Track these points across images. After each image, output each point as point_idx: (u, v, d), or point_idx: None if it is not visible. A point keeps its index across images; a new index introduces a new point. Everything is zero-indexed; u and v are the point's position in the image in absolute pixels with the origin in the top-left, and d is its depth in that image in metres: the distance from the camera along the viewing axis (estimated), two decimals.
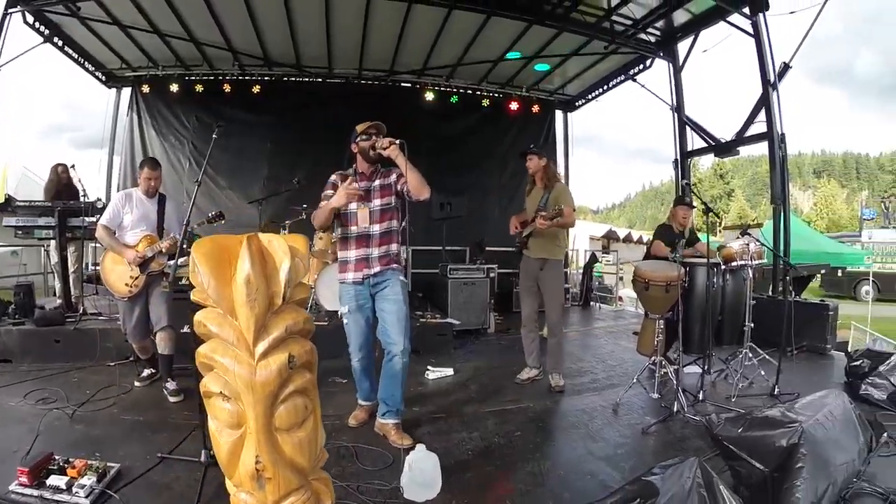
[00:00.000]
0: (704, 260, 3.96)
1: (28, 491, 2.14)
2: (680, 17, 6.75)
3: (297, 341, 1.23)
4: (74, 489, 2.14)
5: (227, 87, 8.21)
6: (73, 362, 4.22)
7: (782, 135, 5.78)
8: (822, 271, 9.19)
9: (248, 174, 8.47)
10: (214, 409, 1.22)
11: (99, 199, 5.48)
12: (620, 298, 9.86)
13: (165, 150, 8.33)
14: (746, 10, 5.70)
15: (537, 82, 9.55)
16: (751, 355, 4.02)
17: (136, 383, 3.85)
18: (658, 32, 7.30)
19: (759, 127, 6.11)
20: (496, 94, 9.65)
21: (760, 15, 5.58)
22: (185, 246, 2.83)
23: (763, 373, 3.96)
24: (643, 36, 7.26)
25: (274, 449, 1.20)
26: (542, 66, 8.65)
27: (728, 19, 6.06)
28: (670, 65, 7.57)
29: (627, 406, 3.58)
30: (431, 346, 5.23)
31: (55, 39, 6.89)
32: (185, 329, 3.67)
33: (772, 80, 5.66)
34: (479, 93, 9.60)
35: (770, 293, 5.80)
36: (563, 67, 8.75)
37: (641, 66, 8.09)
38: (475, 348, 5.57)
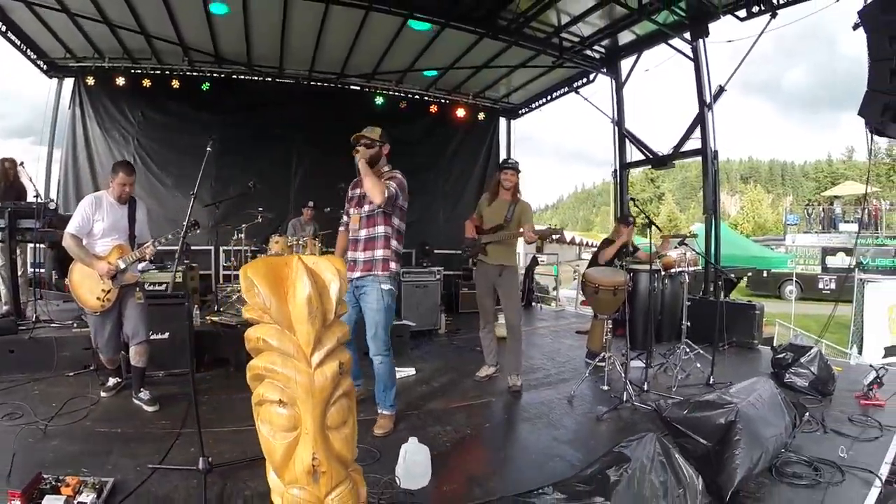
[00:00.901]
0: (647, 267, 4.43)
1: None
2: (625, 37, 7.33)
3: (342, 351, 1.40)
4: None
5: (175, 83, 7.95)
6: (29, 373, 4.01)
7: (715, 151, 6.45)
8: (749, 274, 10.13)
9: (195, 173, 8.22)
10: (269, 415, 1.36)
11: (52, 200, 5.29)
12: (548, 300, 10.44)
13: (109, 146, 7.96)
14: (687, 36, 6.31)
15: (483, 90, 9.95)
16: (687, 350, 4.51)
17: (103, 394, 3.68)
18: (603, 50, 7.86)
19: (694, 143, 6.76)
20: (443, 101, 9.94)
21: (700, 41, 6.21)
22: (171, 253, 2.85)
23: (699, 365, 4.45)
24: (589, 52, 7.79)
25: (326, 446, 1.37)
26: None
27: (670, 42, 6.67)
28: (613, 80, 8.15)
29: (581, 398, 3.94)
30: (397, 349, 5.43)
31: None
32: (154, 336, 3.75)
33: (708, 101, 6.31)
34: (426, 98, 9.86)
35: (702, 294, 6.44)
36: (508, 78, 9.16)
37: (585, 80, 8.68)
38: (430, 349, 5.78)
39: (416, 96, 9.74)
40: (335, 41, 7.55)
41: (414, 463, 2.44)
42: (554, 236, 4.11)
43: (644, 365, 4.18)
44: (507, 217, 4.18)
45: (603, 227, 49.42)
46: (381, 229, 3.19)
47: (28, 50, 7.36)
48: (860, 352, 6.23)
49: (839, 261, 14.97)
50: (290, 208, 8.30)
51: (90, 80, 7.85)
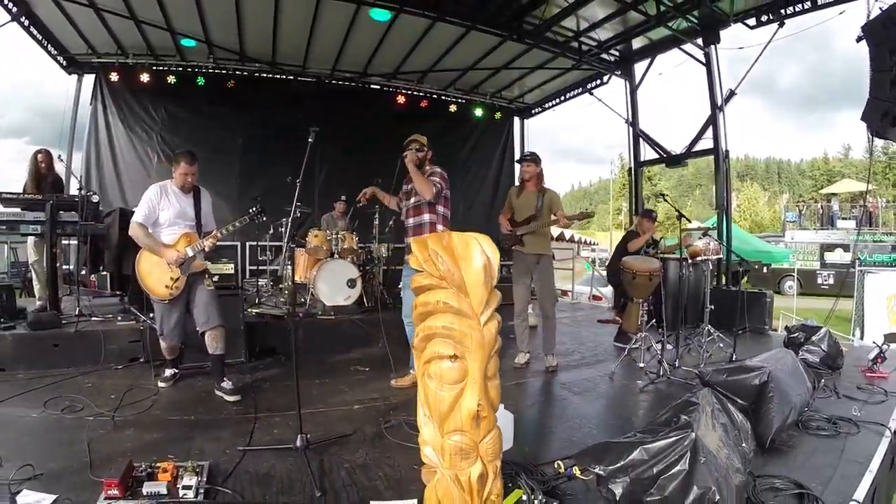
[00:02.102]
0: (677, 255, 4.95)
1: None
2: (639, 41, 7.85)
3: (497, 313, 1.84)
4: (181, 491, 2.08)
5: (200, 80, 8.28)
6: (75, 367, 4.02)
7: (726, 151, 6.98)
8: (755, 266, 10.69)
9: (219, 169, 8.51)
10: (439, 370, 1.74)
11: (94, 192, 5.36)
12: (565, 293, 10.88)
13: (132, 142, 8.28)
14: (700, 42, 6.81)
15: (499, 91, 10.41)
16: (711, 331, 4.98)
17: (161, 384, 3.73)
18: (618, 53, 8.38)
19: (706, 143, 7.27)
20: (461, 101, 10.39)
21: (712, 46, 6.72)
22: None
23: (721, 345, 4.95)
24: (605, 56, 8.29)
25: (486, 393, 1.76)
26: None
27: (683, 48, 7.18)
28: (627, 83, 8.67)
29: (620, 374, 4.40)
30: None
31: (22, 18, 6.71)
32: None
33: (719, 103, 6.83)
34: (444, 98, 10.31)
35: (714, 284, 6.94)
36: (524, 79, 9.69)
37: (599, 82, 9.19)
38: None
39: (435, 95, 10.17)
40: (362, 41, 7.92)
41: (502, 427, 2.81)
42: (587, 219, 4.63)
43: (672, 346, 4.66)
44: (538, 207, 4.51)
45: (600, 226, 49.98)
46: (426, 217, 3.81)
47: (49, 45, 7.54)
48: (862, 337, 6.79)
49: (837, 257, 15.60)
50: (316, 205, 8.70)
51: (114, 77, 8.10)
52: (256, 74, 8.83)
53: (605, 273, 11.51)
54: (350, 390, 3.88)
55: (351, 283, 6.22)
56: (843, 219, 18.40)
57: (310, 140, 2.99)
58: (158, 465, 2.17)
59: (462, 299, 1.74)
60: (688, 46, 7.13)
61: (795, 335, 4.40)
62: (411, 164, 3.71)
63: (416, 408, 1.88)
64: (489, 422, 1.81)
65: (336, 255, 6.34)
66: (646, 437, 2.21)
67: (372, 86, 9.64)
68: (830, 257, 15.84)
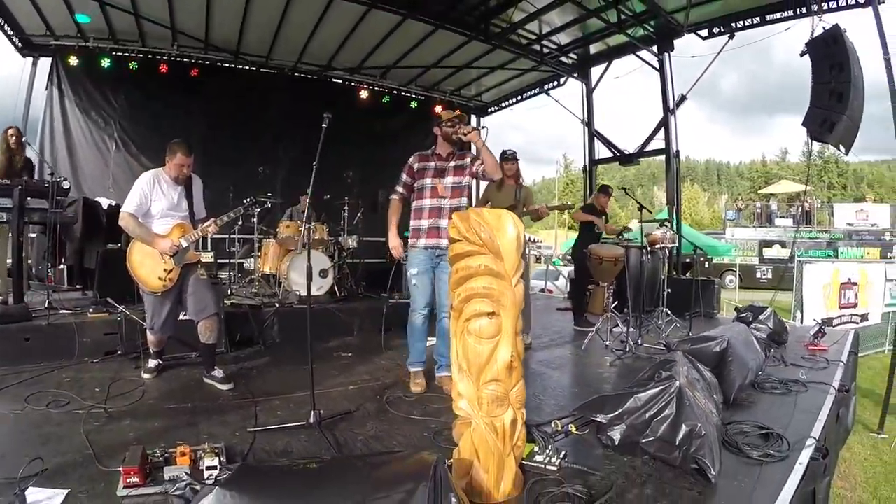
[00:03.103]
0: (638, 243, 5.45)
1: (146, 490, 1.98)
2: (596, 46, 8.42)
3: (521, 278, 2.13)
4: (205, 472, 2.05)
5: (163, 68, 8.08)
6: (48, 362, 3.88)
7: (677, 151, 7.63)
8: (700, 259, 11.63)
9: None
10: (478, 326, 2.00)
11: (64, 178, 5.13)
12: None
13: (90, 129, 8.02)
14: (654, 49, 7.42)
15: (458, 89, 10.77)
16: (668, 313, 5.50)
17: (145, 375, 3.64)
18: (576, 57, 8.92)
19: (658, 143, 7.92)
20: (422, 97, 10.68)
21: (666, 54, 7.35)
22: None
23: (677, 325, 5.52)
24: (564, 59, 8.81)
25: (516, 347, 2.04)
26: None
27: (638, 54, 7.78)
28: (583, 85, 9.24)
29: (590, 351, 4.82)
30: (401, 323, 6.00)
31: None
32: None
33: (671, 107, 7.46)
34: (404, 94, 10.56)
35: (667, 273, 7.59)
36: (483, 78, 10.12)
37: (556, 83, 9.72)
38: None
39: (395, 91, 10.39)
40: (331, 33, 8.01)
41: None
42: (567, 210, 5.07)
43: (634, 326, 5.09)
44: (517, 198, 4.96)
45: (544, 224, 51.53)
46: (465, 200, 3.55)
47: (5, 25, 7.21)
48: (801, 321, 7.69)
49: (775, 252, 17.07)
50: (278, 196, 8.69)
51: (72, 61, 7.79)
52: (219, 64, 8.72)
53: (552, 268, 12.21)
54: (340, 374, 4.02)
55: (323, 274, 6.36)
56: (781, 217, 20.11)
57: (323, 126, 3.03)
58: (173, 449, 2.16)
59: (499, 263, 2.02)
60: (643, 53, 7.73)
61: (744, 315, 4.94)
62: (479, 138, 3.39)
63: (454, 363, 2.11)
64: (518, 372, 2.10)
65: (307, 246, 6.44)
66: (636, 389, 2.58)
67: (334, 80, 9.73)
68: (769, 253, 17.30)
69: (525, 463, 2.26)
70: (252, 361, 4.38)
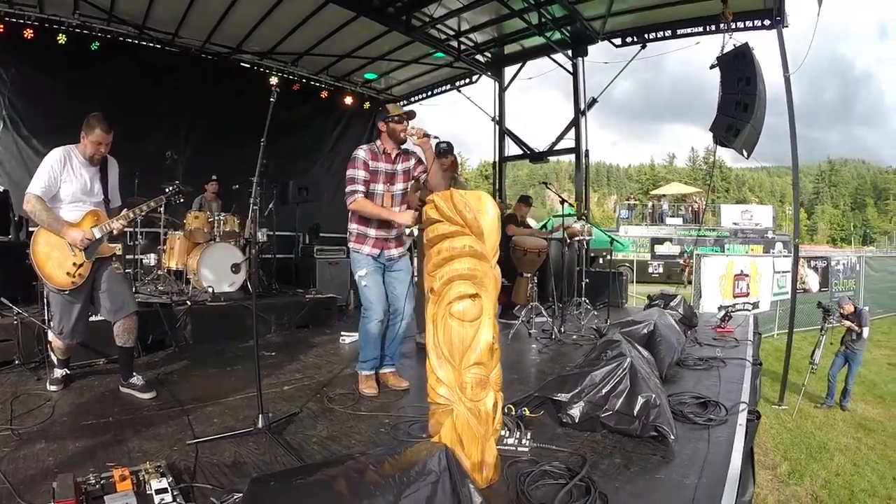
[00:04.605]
0: (559, 235, 5.78)
1: None
2: (511, 46, 8.71)
3: None
4: (155, 497, 1.80)
5: (61, 38, 7.06)
6: None
7: (587, 150, 8.15)
8: (605, 253, 12.57)
9: (74, 142, 7.39)
10: (462, 309, 1.99)
11: None
12: None
13: None
14: (570, 53, 7.86)
15: (369, 81, 10.66)
16: (586, 302, 5.88)
17: (52, 387, 3.22)
18: (490, 56, 9.18)
19: (568, 143, 8.40)
20: (331, 87, 10.39)
21: (580, 59, 7.81)
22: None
23: (595, 313, 5.89)
24: (479, 57, 9.04)
25: (495, 328, 2.06)
26: (370, 76, 9.97)
27: (553, 56, 8.18)
28: (496, 83, 9.54)
29: (517, 339, 5.04)
30: (321, 319, 5.98)
31: None
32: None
33: (582, 108, 7.95)
34: (315, 84, 10.23)
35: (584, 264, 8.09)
36: (395, 72, 10.02)
37: (468, 81, 9.90)
38: (356, 320, 6.34)
39: (305, 80, 10.01)
40: (247, 12, 7.52)
41: None
42: None
43: (557, 315, 5.41)
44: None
45: None
46: (405, 207, 3.43)
47: None
48: (701, 308, 8.66)
49: (666, 249, 18.83)
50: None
51: None
52: (121, 39, 7.80)
53: None
54: (270, 374, 3.83)
55: (235, 269, 6.01)
56: (672, 216, 22.20)
57: (271, 100, 2.84)
58: (108, 474, 1.90)
59: (481, 244, 2.05)
60: (558, 56, 8.16)
61: (657, 302, 5.42)
62: (430, 148, 3.29)
63: (430, 354, 2.10)
64: (497, 354, 2.13)
65: (217, 239, 6.07)
66: (588, 368, 2.74)
67: (243, 63, 9.17)
68: (660, 249, 19.06)
69: (497, 447, 2.31)
70: (169, 365, 4.05)
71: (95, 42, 7.43)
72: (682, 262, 17.70)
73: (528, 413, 2.80)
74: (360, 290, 3.40)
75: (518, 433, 2.45)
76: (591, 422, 2.59)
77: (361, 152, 3.27)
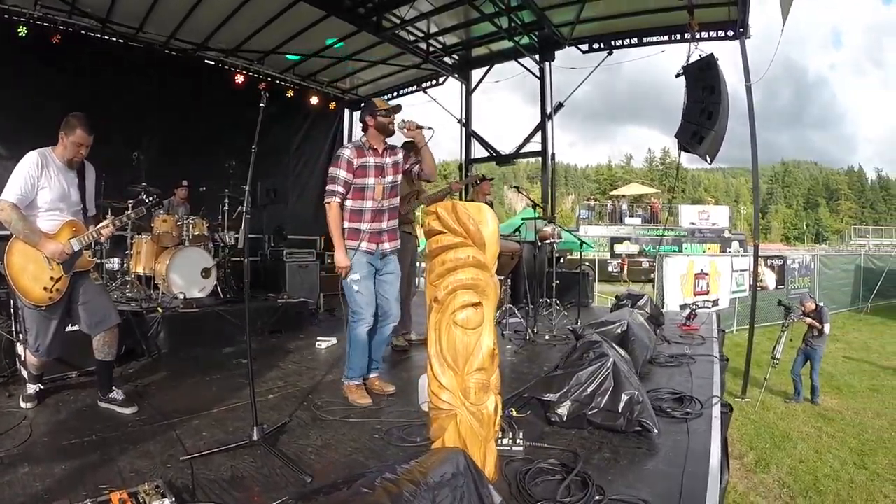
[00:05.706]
0: (532, 239, 5.95)
1: None
2: (479, 50, 8.87)
3: None
4: None
5: (22, 30, 6.70)
6: None
7: (553, 153, 8.38)
8: (567, 253, 12.92)
9: (32, 141, 6.99)
10: (466, 316, 2.08)
11: None
12: None
13: None
14: (537, 57, 8.06)
15: (335, 81, 10.61)
16: (556, 303, 6.07)
17: (25, 405, 3.05)
18: (458, 58, 9.30)
19: (535, 146, 8.61)
20: (297, 87, 10.30)
21: (547, 63, 8.03)
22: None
23: (565, 313, 6.10)
24: (447, 59, 9.15)
25: (495, 334, 2.17)
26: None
27: (520, 61, 8.37)
28: (463, 86, 9.67)
29: None
30: (294, 324, 5.92)
31: None
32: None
33: (549, 112, 8.17)
34: (280, 83, 10.11)
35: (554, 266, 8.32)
36: (361, 72, 10.09)
37: (435, 82, 10.00)
38: (329, 324, 6.37)
39: (270, 78, 9.88)
40: (217, 7, 7.38)
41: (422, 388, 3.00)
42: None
43: (529, 316, 5.61)
44: (416, 185, 4.74)
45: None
46: (397, 200, 3.45)
47: None
48: (664, 306, 9.02)
49: (625, 248, 19.46)
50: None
51: None
52: (83, 33, 7.47)
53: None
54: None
55: (205, 273, 5.93)
56: (630, 216, 22.92)
57: (261, 105, 2.82)
58: (104, 498, 1.81)
59: (482, 254, 2.16)
60: (525, 60, 8.36)
61: (624, 302, 5.67)
62: (423, 139, 3.35)
63: (429, 361, 2.17)
64: (497, 358, 2.25)
65: (187, 243, 5.97)
66: (573, 369, 2.91)
67: (207, 61, 8.95)
68: (619, 248, 19.68)
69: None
70: (146, 377, 3.91)
71: (55, 35, 7.10)
72: (619, 261, 18.37)
73: (514, 412, 2.93)
74: (349, 295, 3.35)
75: (511, 433, 2.57)
76: (578, 420, 2.74)
77: (346, 151, 3.27)
